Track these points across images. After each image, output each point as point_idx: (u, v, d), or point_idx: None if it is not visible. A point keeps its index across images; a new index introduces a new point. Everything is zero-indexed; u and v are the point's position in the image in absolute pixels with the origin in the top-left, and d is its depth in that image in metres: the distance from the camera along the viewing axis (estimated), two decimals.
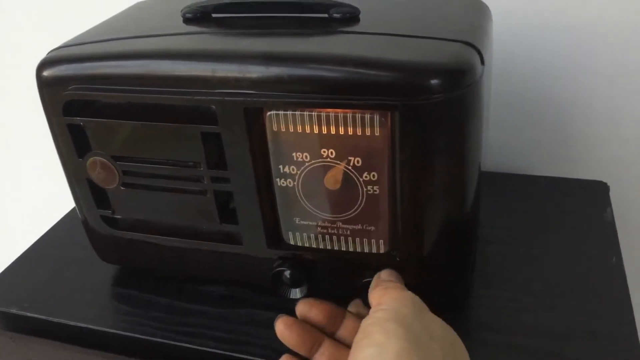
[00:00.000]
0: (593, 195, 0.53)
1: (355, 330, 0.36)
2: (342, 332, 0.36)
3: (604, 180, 0.54)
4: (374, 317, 0.31)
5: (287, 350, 0.36)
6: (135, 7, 0.48)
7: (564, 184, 0.55)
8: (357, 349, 0.30)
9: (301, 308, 0.37)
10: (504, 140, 0.60)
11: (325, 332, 0.36)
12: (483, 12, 0.42)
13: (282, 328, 0.35)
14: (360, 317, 0.37)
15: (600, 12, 0.53)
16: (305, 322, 0.36)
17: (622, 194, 0.56)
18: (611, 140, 0.58)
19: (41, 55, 0.39)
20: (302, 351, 0.35)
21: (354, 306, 0.39)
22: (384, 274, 0.37)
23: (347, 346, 0.36)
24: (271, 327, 0.41)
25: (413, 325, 0.30)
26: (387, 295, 0.32)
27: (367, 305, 0.38)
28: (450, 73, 0.32)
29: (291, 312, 0.39)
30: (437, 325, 0.32)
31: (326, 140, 0.35)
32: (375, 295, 0.33)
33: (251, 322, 0.42)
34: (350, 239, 0.38)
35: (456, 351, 0.31)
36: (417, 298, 0.32)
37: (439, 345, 0.30)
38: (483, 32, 0.38)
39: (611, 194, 0.53)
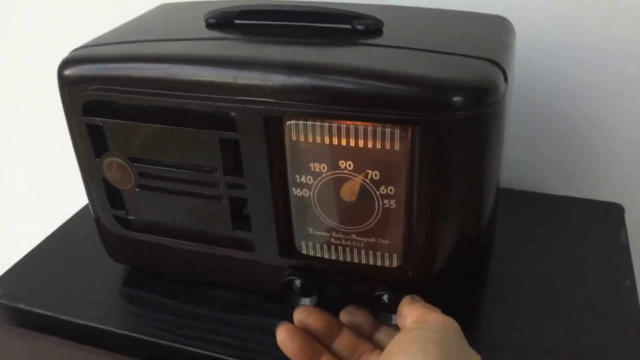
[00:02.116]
0: (608, 217, 0.53)
1: (350, 345, 0.36)
2: (337, 344, 0.36)
3: (620, 202, 0.54)
4: (414, 334, 0.30)
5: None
6: (158, 9, 0.48)
7: (579, 204, 0.55)
8: None
9: (299, 315, 0.37)
10: (520, 158, 0.60)
11: (320, 342, 0.36)
12: (507, 30, 0.41)
13: (284, 335, 0.35)
14: (354, 330, 0.37)
15: (622, 31, 0.53)
16: (307, 333, 0.36)
17: (638, 217, 0.55)
18: (628, 162, 0.58)
19: (63, 54, 0.39)
20: None
21: (346, 314, 0.38)
22: (417, 297, 0.36)
23: None
24: None
25: (454, 352, 0.29)
26: (430, 316, 0.32)
27: (376, 318, 0.38)
28: (473, 91, 0.32)
29: None
30: (474, 358, 0.31)
31: (344, 152, 0.35)
32: (417, 311, 0.33)
33: (259, 329, 0.42)
34: (363, 251, 0.38)
35: None
36: (459, 327, 0.32)
37: None
38: (507, 50, 0.38)
39: (626, 216, 0.53)
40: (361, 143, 0.34)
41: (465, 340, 0.31)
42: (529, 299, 0.44)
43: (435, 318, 0.32)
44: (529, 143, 0.60)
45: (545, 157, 0.60)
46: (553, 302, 0.43)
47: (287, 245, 0.40)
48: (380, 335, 0.38)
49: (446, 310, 0.33)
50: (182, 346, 0.41)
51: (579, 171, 0.60)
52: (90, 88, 0.37)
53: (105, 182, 0.41)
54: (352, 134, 0.34)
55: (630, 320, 0.41)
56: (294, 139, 0.35)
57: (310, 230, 0.39)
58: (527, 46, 0.52)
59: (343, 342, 0.36)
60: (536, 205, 0.55)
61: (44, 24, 0.73)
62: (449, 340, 0.30)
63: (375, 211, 0.36)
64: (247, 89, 0.34)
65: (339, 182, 0.36)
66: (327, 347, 0.36)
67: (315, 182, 0.36)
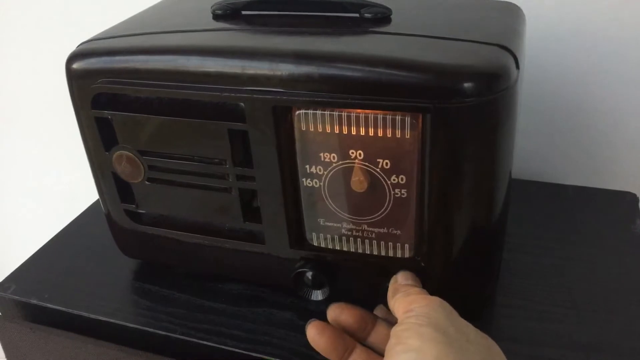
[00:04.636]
0: (622, 206, 0.52)
1: (386, 338, 0.35)
2: (373, 338, 0.36)
3: (633, 191, 0.53)
4: (407, 323, 0.30)
5: (305, 353, 0.36)
6: (166, 2, 0.48)
7: (592, 193, 0.54)
8: (392, 355, 0.29)
9: (332, 312, 0.36)
10: (531, 147, 0.59)
11: (356, 338, 0.36)
12: (517, 16, 0.41)
13: (314, 333, 0.35)
14: (389, 323, 0.37)
15: (633, 18, 0.52)
16: (337, 328, 0.36)
17: None
18: None
19: (71, 48, 0.39)
20: (333, 357, 0.35)
21: (380, 310, 0.38)
22: (401, 277, 0.36)
23: (379, 353, 0.35)
24: (289, 328, 0.41)
25: (448, 329, 0.29)
26: (415, 303, 0.32)
27: (388, 309, 0.38)
28: (484, 76, 0.32)
29: (311, 313, 0.39)
30: (471, 329, 0.31)
31: (354, 142, 0.34)
32: (402, 303, 0.33)
33: (269, 322, 0.42)
34: (375, 242, 0.38)
35: (494, 355, 0.30)
36: (446, 303, 0.32)
37: (476, 348, 0.29)
38: (517, 35, 0.37)
39: None
40: (371, 132, 0.33)
41: (455, 313, 0.32)
42: (541, 290, 0.43)
43: (420, 303, 0.32)
44: (540, 133, 0.59)
45: (556, 147, 0.60)
46: (566, 292, 0.43)
47: (297, 237, 0.40)
48: None
49: (458, 301, 0.33)
50: (193, 339, 0.41)
51: (591, 161, 0.59)
52: (99, 81, 0.37)
53: (115, 175, 0.41)
54: (362, 122, 0.33)
55: None
56: (304, 129, 0.35)
57: (321, 222, 0.38)
58: (537, 34, 0.51)
59: (379, 335, 0.36)
60: (549, 196, 0.55)
61: (51, 19, 0.73)
62: (439, 318, 0.30)
63: (387, 201, 0.36)
64: (255, 79, 0.34)
65: (349, 172, 0.35)
66: (364, 342, 0.36)
67: (325, 173, 0.36)
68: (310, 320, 0.35)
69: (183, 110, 0.37)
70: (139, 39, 0.39)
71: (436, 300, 0.32)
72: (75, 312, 0.44)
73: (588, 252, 0.47)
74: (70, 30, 0.72)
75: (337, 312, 0.36)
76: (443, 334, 0.29)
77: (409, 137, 0.33)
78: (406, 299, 0.33)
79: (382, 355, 0.35)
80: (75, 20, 0.72)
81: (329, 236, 0.39)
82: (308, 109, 0.34)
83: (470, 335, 0.30)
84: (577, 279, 0.44)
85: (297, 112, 0.34)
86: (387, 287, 0.37)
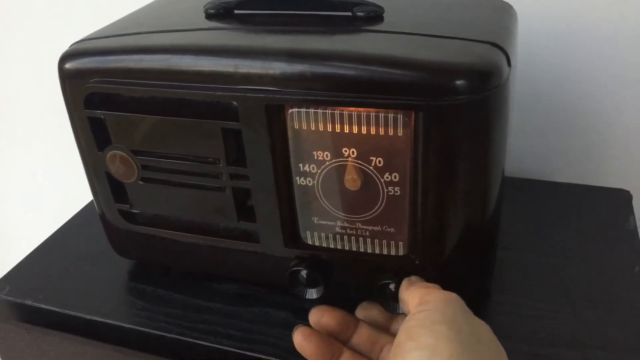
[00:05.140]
0: (616, 204, 0.52)
1: (369, 339, 0.36)
2: (356, 340, 0.36)
3: (627, 189, 0.53)
4: (419, 319, 0.29)
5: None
6: (158, 1, 0.48)
7: (586, 191, 0.54)
8: (402, 352, 0.28)
9: (314, 315, 0.37)
10: (525, 145, 0.60)
11: (338, 340, 0.36)
12: (509, 14, 0.41)
13: (301, 339, 0.35)
14: (371, 323, 0.37)
15: (626, 17, 0.52)
16: (324, 333, 0.36)
17: None
18: (635, 149, 0.57)
19: (63, 47, 0.39)
20: None
21: (362, 309, 0.38)
22: (415, 277, 0.36)
23: (364, 356, 0.35)
24: (285, 327, 0.41)
25: (463, 328, 0.28)
26: (431, 295, 0.31)
27: (383, 307, 0.38)
28: (476, 74, 0.32)
29: (306, 312, 0.39)
30: (484, 329, 0.30)
31: (348, 140, 0.34)
32: (417, 293, 0.32)
33: (265, 321, 0.42)
34: (369, 240, 0.38)
35: (502, 358, 0.30)
36: (462, 300, 0.31)
37: (487, 349, 0.29)
38: (509, 33, 0.37)
39: (634, 202, 0.52)
40: (364, 130, 0.33)
41: (469, 311, 0.31)
42: (536, 287, 0.43)
43: (435, 296, 0.31)
44: (534, 132, 0.59)
45: (550, 145, 0.60)
46: (560, 290, 0.43)
47: (292, 236, 0.40)
48: (397, 325, 0.37)
49: None
50: (189, 339, 0.41)
51: (586, 159, 0.59)
52: (91, 81, 0.37)
53: (109, 175, 0.41)
54: (354, 120, 0.33)
55: None
56: (296, 127, 0.35)
57: (315, 220, 0.38)
58: (529, 31, 0.51)
59: (361, 337, 0.36)
60: (543, 194, 0.55)
61: (43, 19, 0.73)
62: (454, 316, 0.29)
63: (380, 199, 0.36)
64: (247, 78, 0.34)
65: (343, 170, 0.35)
66: (346, 344, 0.36)
67: (318, 171, 0.36)
68: (296, 326, 0.36)
69: (176, 109, 0.37)
70: (131, 39, 0.39)
71: (453, 296, 0.31)
72: (71, 312, 0.44)
73: (583, 249, 0.47)
74: (69, 30, 0.72)
75: (318, 315, 0.36)
76: (457, 332, 0.28)
77: (401, 134, 0.33)
78: (422, 290, 0.32)
79: (367, 357, 0.35)
80: (75, 20, 0.72)
81: (323, 234, 0.39)
82: (301, 108, 0.34)
83: (483, 335, 0.30)
84: (573, 276, 0.44)
85: (290, 111, 0.34)
86: (382, 284, 0.38)
